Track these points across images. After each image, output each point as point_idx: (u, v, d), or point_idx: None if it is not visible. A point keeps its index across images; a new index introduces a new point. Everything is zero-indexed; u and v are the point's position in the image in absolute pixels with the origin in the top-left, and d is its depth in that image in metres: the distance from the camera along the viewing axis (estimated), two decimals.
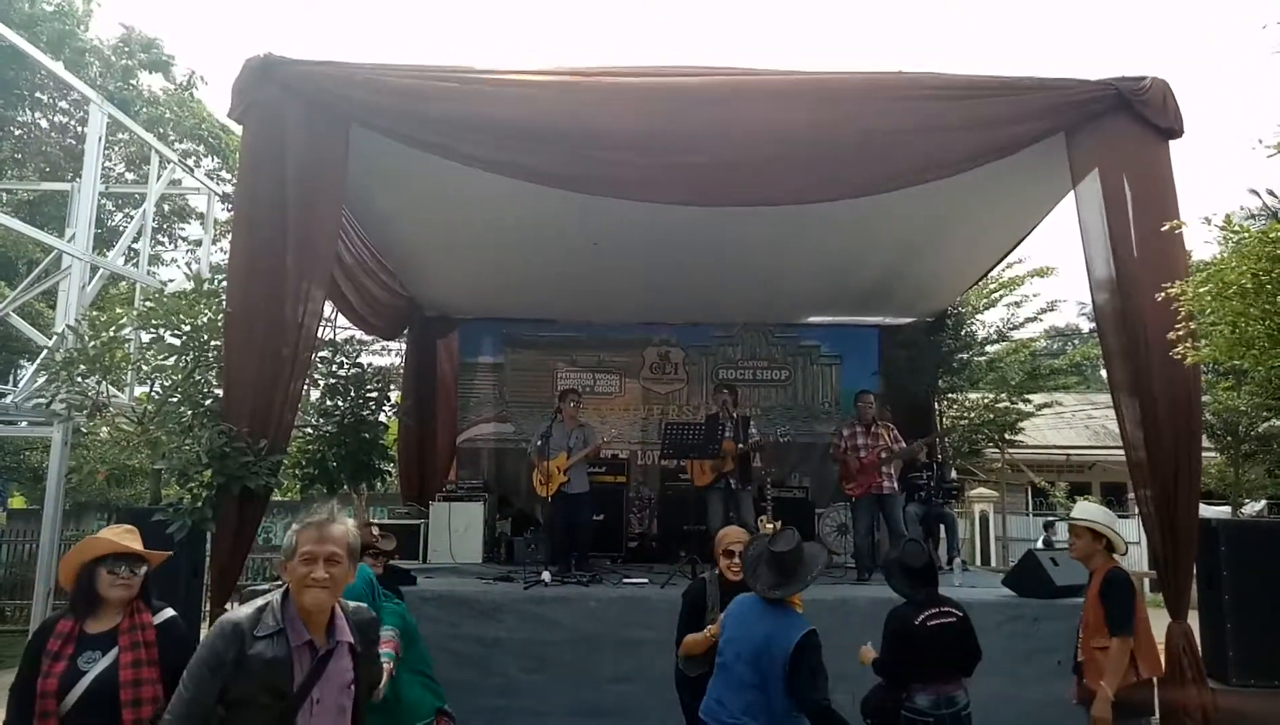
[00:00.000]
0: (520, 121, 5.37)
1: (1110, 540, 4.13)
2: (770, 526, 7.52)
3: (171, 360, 5.88)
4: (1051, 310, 13.95)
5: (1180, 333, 4.49)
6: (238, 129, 6.32)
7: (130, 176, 15.56)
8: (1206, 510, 10.15)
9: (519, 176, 5.64)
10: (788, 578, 3.43)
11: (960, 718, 3.71)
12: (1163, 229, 4.78)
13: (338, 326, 14.72)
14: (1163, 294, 4.52)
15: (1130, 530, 11.38)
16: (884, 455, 7.46)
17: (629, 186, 5.71)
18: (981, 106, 5.49)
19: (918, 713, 3.67)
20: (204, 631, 5.51)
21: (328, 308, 7.67)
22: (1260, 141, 3.82)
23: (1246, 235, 3.88)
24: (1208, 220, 4.09)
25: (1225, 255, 4.17)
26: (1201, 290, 4.16)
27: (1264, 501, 16.86)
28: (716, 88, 5.48)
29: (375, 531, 4.72)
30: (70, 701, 2.79)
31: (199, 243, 13.77)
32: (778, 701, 3.25)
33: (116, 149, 15.39)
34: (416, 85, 5.49)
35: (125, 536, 3.07)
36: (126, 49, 16.29)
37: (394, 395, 9.73)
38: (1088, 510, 4.31)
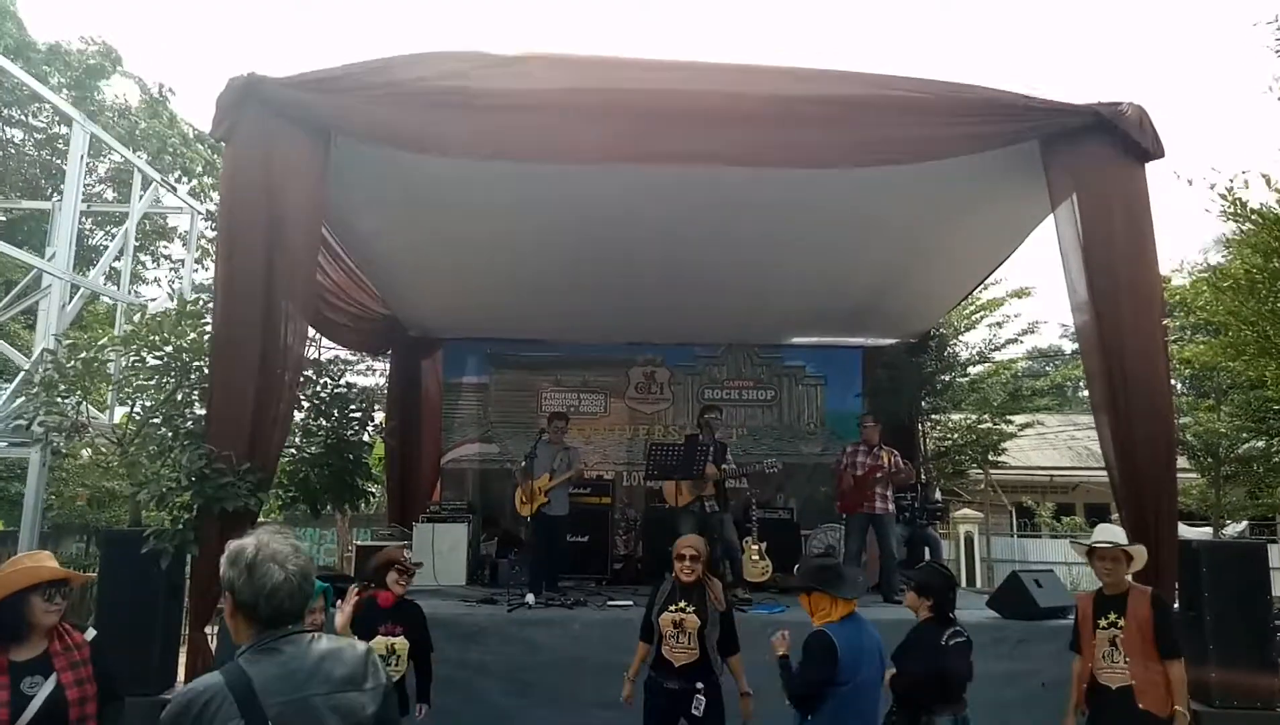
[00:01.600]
0: (500, 101, 5.35)
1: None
2: (756, 548, 7.54)
3: (153, 381, 5.84)
4: (1032, 331, 14.08)
5: (1171, 322, 4.49)
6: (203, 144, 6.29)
7: (111, 196, 15.50)
8: (1188, 532, 10.22)
9: (498, 155, 5.58)
10: (848, 584, 3.67)
11: None
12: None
13: (322, 346, 14.71)
14: (1142, 288, 4.43)
15: None
16: (878, 474, 7.44)
17: (594, 151, 5.62)
18: (959, 104, 5.54)
19: None
20: (182, 656, 5.45)
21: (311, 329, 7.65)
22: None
23: (1252, 214, 3.81)
24: (1212, 186, 3.99)
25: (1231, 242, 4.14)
26: (1199, 276, 4.16)
27: (1245, 523, 17.00)
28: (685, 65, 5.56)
29: (406, 553, 4.74)
30: None
31: (182, 261, 13.71)
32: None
33: (96, 163, 15.35)
34: (395, 80, 5.46)
35: (51, 562, 3.09)
36: (64, 58, 16.35)
37: (379, 415, 9.69)
38: (1115, 533, 4.30)
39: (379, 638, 4.26)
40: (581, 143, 5.43)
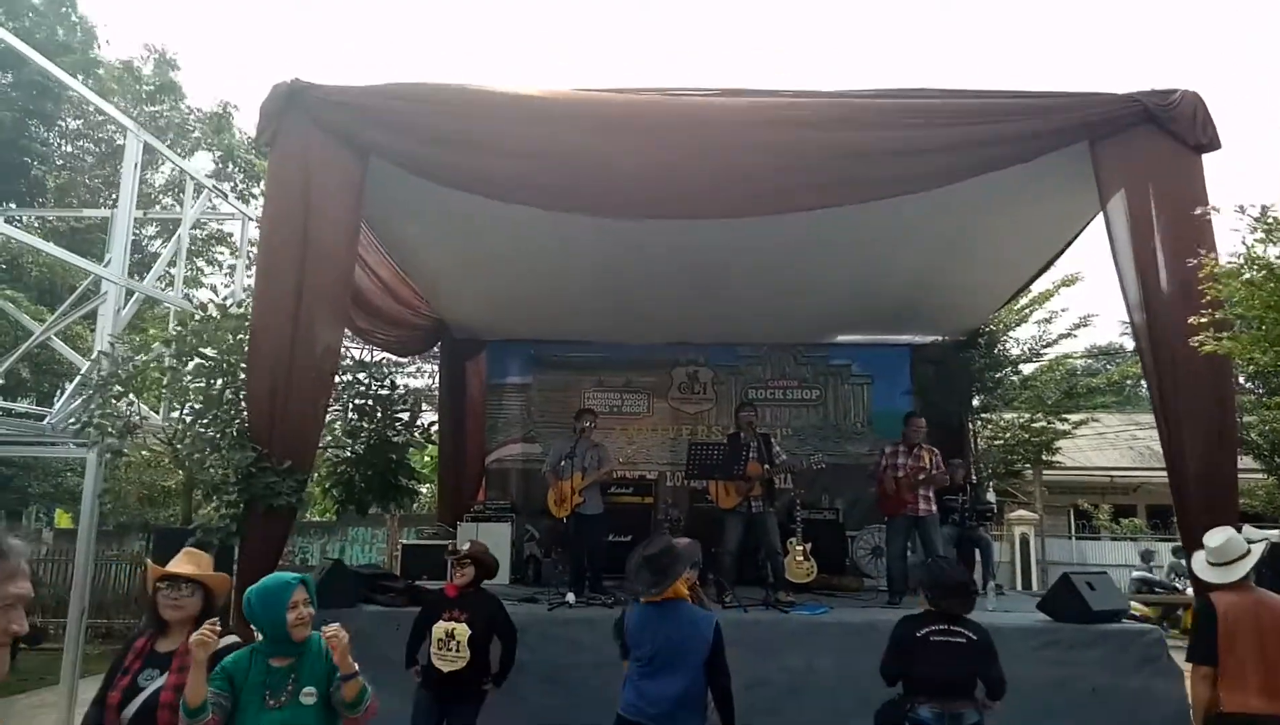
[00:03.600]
0: (531, 148, 5.45)
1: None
2: (801, 548, 7.46)
3: (201, 382, 5.98)
4: (1085, 325, 13.69)
5: (1204, 320, 4.30)
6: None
7: (168, 201, 15.98)
8: (1255, 534, 9.80)
9: (527, 202, 5.71)
10: (662, 576, 3.77)
11: None
12: (1195, 212, 4.62)
13: (371, 349, 14.98)
14: (1193, 261, 4.29)
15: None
16: (920, 477, 7.30)
17: (639, 206, 5.72)
18: (997, 128, 5.43)
19: (918, 722, 3.72)
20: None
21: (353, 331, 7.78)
22: None
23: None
24: (1241, 208, 3.85)
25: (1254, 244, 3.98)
26: (1233, 268, 3.98)
27: None
28: (742, 110, 5.53)
29: (461, 547, 4.97)
30: (128, 715, 2.90)
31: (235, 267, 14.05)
32: (697, 687, 3.69)
33: (155, 174, 15.86)
34: (431, 119, 5.60)
35: (182, 560, 3.21)
36: (135, 73, 16.92)
37: (426, 416, 9.81)
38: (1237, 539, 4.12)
39: (440, 622, 4.49)
40: (621, 198, 5.56)
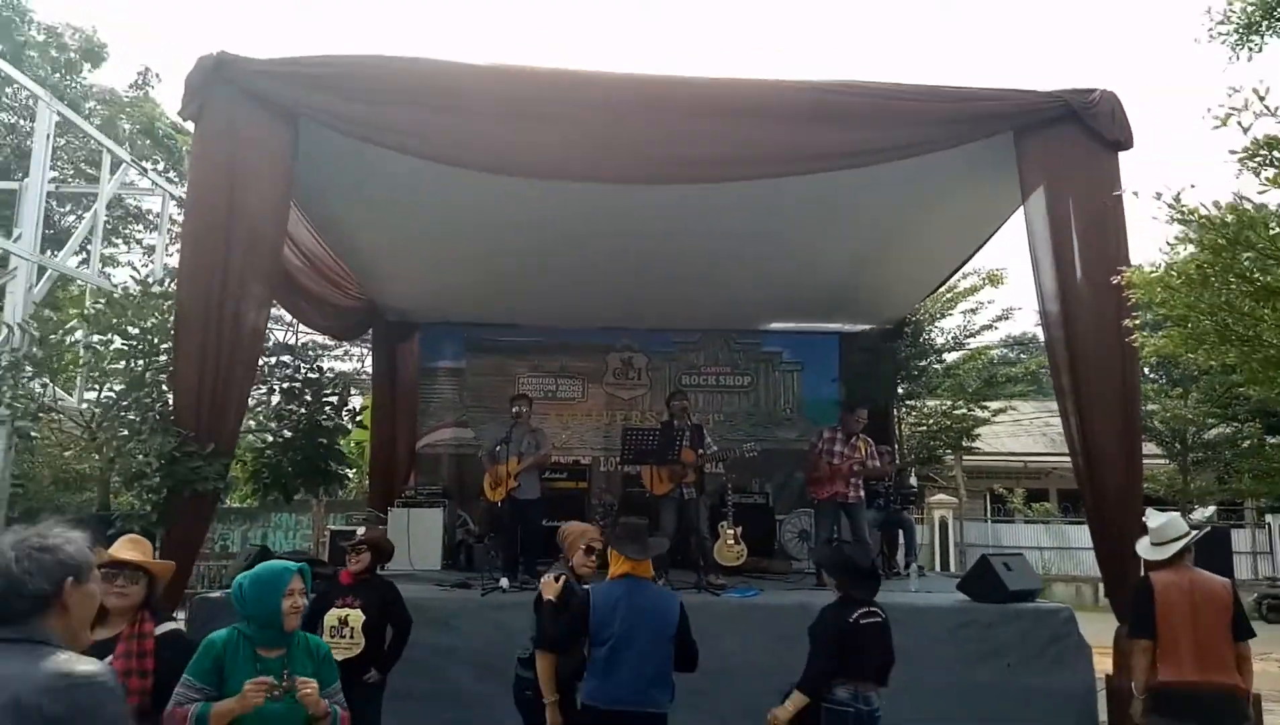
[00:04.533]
0: (463, 106, 5.43)
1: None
2: (732, 532, 7.59)
3: (121, 364, 5.78)
4: (1006, 318, 14.20)
5: (1135, 322, 4.53)
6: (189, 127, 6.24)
7: (82, 180, 15.29)
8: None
9: (456, 163, 5.66)
10: (644, 546, 3.85)
11: (874, 717, 3.77)
12: (1113, 194, 4.83)
13: (299, 331, 14.61)
14: (1117, 278, 4.48)
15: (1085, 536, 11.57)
16: (857, 468, 7.49)
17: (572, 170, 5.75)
18: (924, 108, 5.61)
19: (838, 703, 3.72)
20: None
21: (287, 314, 7.59)
22: (1208, 111, 3.78)
23: (1195, 217, 3.85)
24: (1158, 194, 4.00)
25: (1175, 243, 4.19)
26: (1152, 277, 4.19)
27: (1213, 507, 17.29)
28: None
29: (359, 532, 4.93)
30: None
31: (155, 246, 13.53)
32: (667, 665, 3.68)
33: (68, 149, 15.12)
34: (363, 78, 5.50)
35: (125, 547, 3.10)
36: (58, 41, 16.10)
37: (354, 400, 9.63)
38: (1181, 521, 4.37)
39: (333, 610, 4.31)
40: (546, 156, 5.55)
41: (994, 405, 14.54)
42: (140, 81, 16.52)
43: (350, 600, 4.41)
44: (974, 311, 13.59)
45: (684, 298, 9.32)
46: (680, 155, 5.60)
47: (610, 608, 3.68)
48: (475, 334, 10.67)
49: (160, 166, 15.66)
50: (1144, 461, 5.93)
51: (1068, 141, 5.56)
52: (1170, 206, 3.87)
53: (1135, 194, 4.13)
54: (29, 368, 6.33)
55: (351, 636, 4.33)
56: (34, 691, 1.53)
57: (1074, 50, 67.02)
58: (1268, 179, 3.68)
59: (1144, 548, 4.41)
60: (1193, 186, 3.81)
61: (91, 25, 16.83)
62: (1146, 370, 11.52)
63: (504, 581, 6.70)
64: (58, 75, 15.27)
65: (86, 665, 1.63)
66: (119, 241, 16.48)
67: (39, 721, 1.51)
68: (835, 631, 3.82)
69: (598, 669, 3.65)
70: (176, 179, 13.96)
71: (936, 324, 13.16)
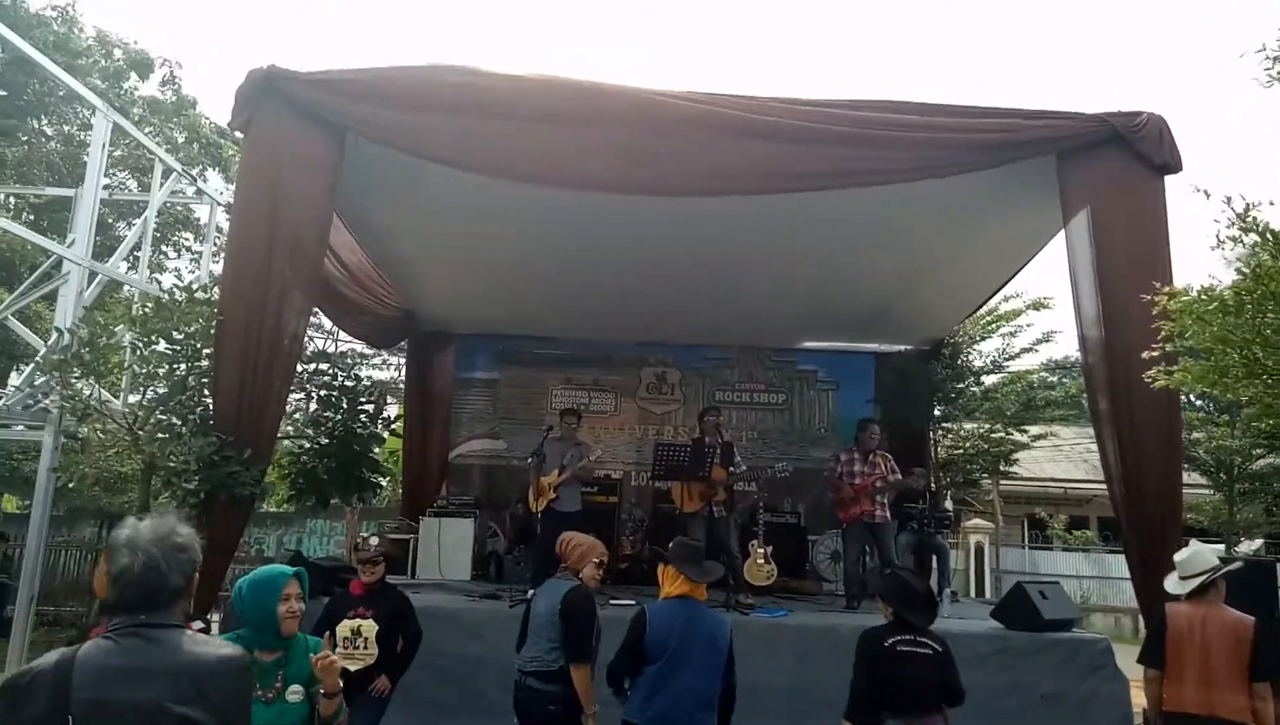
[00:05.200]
0: (505, 116, 5.50)
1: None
2: (762, 551, 7.54)
3: (164, 367, 5.90)
4: (1048, 341, 13.95)
5: (1156, 354, 4.43)
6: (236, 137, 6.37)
7: (133, 186, 15.67)
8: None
9: (498, 174, 5.72)
10: (703, 569, 3.88)
11: None
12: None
13: (339, 339, 14.81)
14: (1148, 297, 4.38)
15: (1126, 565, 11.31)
16: (878, 484, 7.39)
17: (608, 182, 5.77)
18: (968, 132, 5.58)
19: None
20: None
21: (326, 321, 7.70)
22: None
23: (1261, 228, 3.67)
24: (1228, 200, 3.82)
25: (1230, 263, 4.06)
26: (1182, 305, 4.07)
27: (1260, 540, 16.78)
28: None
29: (373, 540, 4.80)
30: None
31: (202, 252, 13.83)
32: (716, 690, 3.63)
33: (119, 156, 15.53)
34: (409, 92, 5.57)
35: None
36: (104, 49, 16.55)
37: (390, 409, 9.72)
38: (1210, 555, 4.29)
39: (345, 621, 4.35)
40: (586, 168, 5.58)
41: (1033, 430, 14.28)
42: (169, 77, 16.89)
43: (363, 611, 4.42)
44: (1013, 334, 13.39)
45: (720, 313, 9.31)
46: (719, 170, 5.61)
47: (668, 627, 3.66)
48: (509, 346, 10.74)
49: (203, 171, 16.02)
50: (1187, 492, 5.79)
51: (1113, 165, 5.48)
52: (1236, 217, 3.74)
53: (1207, 193, 3.94)
54: (77, 369, 6.49)
55: (365, 647, 4.34)
56: (207, 672, 1.84)
57: (1127, 72, 66.10)
58: None
59: (1171, 583, 4.32)
60: (1271, 203, 3.68)
61: (134, 38, 17.33)
62: (1192, 397, 11.23)
63: (532, 593, 6.70)
64: (105, 84, 15.68)
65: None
66: (168, 248, 16.86)
67: (214, 694, 1.82)
68: (867, 655, 3.74)
69: (645, 687, 3.62)
70: (222, 187, 14.29)
71: (975, 346, 12.98)
